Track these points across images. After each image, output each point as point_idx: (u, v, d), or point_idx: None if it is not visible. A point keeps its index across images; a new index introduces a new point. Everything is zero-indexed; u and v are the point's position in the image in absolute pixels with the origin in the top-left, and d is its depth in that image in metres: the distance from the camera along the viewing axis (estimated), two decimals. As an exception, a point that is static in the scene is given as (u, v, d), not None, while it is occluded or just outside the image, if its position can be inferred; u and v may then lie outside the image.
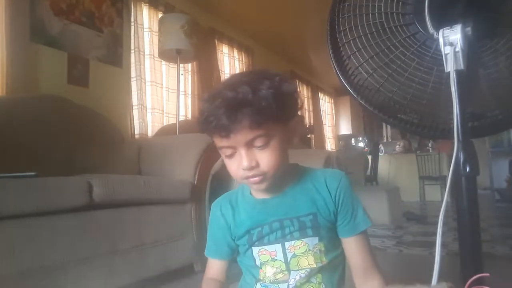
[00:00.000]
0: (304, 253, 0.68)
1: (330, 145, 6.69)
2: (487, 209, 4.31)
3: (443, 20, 0.79)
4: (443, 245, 0.67)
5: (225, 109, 0.61)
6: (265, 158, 0.65)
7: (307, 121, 5.78)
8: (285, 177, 0.71)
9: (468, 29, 0.76)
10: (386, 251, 2.25)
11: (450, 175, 0.74)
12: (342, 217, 0.71)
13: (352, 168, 3.97)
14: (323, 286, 0.69)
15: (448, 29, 0.77)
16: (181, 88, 3.16)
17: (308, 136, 5.42)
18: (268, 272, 0.70)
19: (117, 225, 1.38)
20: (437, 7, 0.81)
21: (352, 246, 0.72)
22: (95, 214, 1.31)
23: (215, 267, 0.79)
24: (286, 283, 0.68)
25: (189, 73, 3.45)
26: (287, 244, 0.68)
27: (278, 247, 0.69)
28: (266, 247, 0.70)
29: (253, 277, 0.73)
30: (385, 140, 7.43)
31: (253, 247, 0.71)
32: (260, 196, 0.74)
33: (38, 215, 1.14)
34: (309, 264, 0.68)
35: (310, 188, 0.72)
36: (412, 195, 5.70)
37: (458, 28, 0.75)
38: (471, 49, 0.77)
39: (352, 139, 7.35)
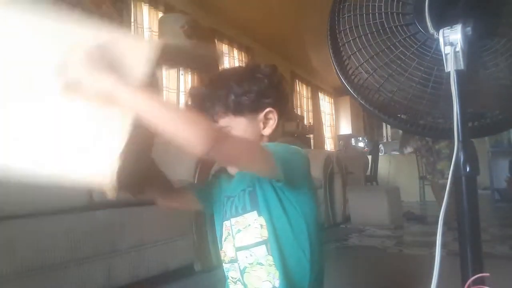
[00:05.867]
0: (245, 228, 0.71)
1: (329, 145, 6.69)
2: (487, 209, 4.31)
3: (443, 20, 0.79)
4: (443, 245, 0.67)
5: (193, 101, 0.75)
6: None
7: (306, 121, 5.78)
8: None
9: (468, 29, 0.76)
10: (386, 251, 2.25)
11: (450, 175, 0.74)
12: None
13: (352, 168, 3.97)
14: (275, 267, 0.68)
15: (448, 29, 0.77)
16: (181, 88, 3.16)
17: (308, 136, 5.42)
18: (228, 250, 0.75)
19: (117, 225, 1.38)
20: (437, 7, 0.81)
21: None
22: (95, 214, 1.31)
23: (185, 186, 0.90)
24: (237, 264, 0.72)
25: (189, 73, 3.45)
26: (233, 220, 0.74)
27: (229, 222, 0.75)
28: (226, 222, 0.76)
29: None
30: (385, 140, 7.42)
31: (223, 222, 0.78)
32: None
33: (38, 215, 1.14)
34: (249, 239, 0.70)
35: None
36: (412, 195, 5.69)
37: (458, 28, 0.75)
38: (471, 49, 0.77)
39: (352, 139, 7.35)
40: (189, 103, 0.76)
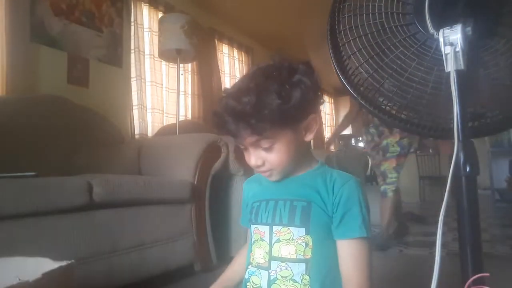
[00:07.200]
0: (287, 240, 0.69)
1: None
2: (487, 209, 4.31)
3: (443, 20, 0.79)
4: (443, 245, 0.67)
5: (231, 117, 0.65)
6: (271, 158, 0.70)
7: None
8: (301, 165, 0.75)
9: (468, 29, 0.75)
10: (386, 251, 2.25)
11: (450, 175, 0.74)
12: (337, 217, 0.69)
13: (352, 168, 3.96)
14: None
15: (448, 29, 0.76)
16: (181, 88, 3.15)
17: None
18: (256, 254, 0.72)
19: (117, 225, 1.38)
20: (437, 7, 0.81)
21: (341, 251, 0.69)
22: (95, 214, 1.31)
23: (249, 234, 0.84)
24: (267, 272, 0.69)
25: (189, 73, 3.45)
26: (274, 228, 0.71)
27: (267, 228, 0.72)
28: (259, 226, 0.73)
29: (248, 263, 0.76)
30: (385, 140, 7.40)
31: (251, 224, 0.75)
32: None
33: (38, 215, 1.14)
34: (289, 253, 0.68)
35: (316, 181, 0.73)
36: (412, 195, 5.69)
37: (458, 28, 0.75)
38: (471, 49, 0.77)
39: (352, 139, 7.34)
40: (223, 118, 0.66)
